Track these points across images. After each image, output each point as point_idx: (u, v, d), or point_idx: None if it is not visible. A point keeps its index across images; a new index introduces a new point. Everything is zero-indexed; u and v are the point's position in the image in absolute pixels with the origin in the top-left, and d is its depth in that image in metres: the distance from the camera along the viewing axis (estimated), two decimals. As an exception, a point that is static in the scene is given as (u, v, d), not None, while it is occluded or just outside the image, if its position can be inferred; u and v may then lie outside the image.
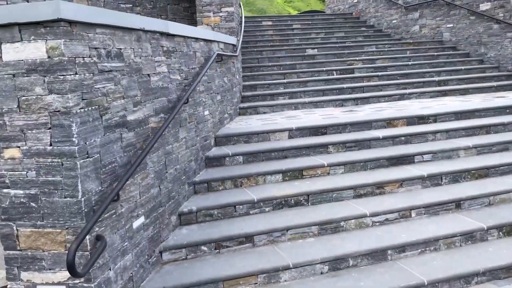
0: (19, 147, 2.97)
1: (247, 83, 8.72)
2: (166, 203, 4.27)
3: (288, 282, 3.97)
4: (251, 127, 6.37)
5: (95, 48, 3.14)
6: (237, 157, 5.56)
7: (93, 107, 3.09)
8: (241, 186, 5.17)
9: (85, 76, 2.99)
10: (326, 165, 5.40)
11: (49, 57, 2.81)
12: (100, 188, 3.15)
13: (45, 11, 2.72)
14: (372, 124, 6.49)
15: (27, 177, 2.99)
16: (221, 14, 7.84)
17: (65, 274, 3.05)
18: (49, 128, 2.89)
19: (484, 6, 10.25)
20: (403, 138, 6.14)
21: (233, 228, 4.41)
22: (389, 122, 6.54)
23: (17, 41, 2.84)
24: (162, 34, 4.19)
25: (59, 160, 2.92)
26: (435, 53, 11.08)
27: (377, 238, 4.40)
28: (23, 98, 2.89)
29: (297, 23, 14.53)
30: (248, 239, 4.34)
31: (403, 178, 5.25)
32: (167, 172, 4.29)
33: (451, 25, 11.44)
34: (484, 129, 6.52)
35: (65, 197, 2.95)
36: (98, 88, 3.16)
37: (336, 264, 4.13)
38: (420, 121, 6.71)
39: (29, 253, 3.09)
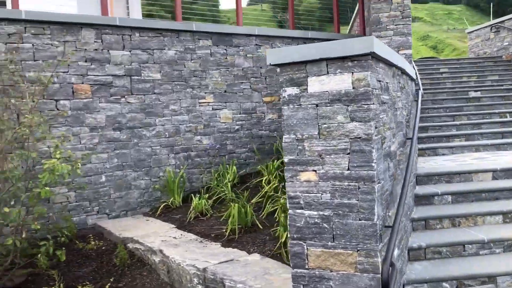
0: (315, 170, 3.20)
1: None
2: (403, 236, 4.27)
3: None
4: (447, 167, 6.22)
5: (379, 81, 3.35)
6: (446, 196, 5.45)
7: (379, 136, 3.26)
8: (459, 225, 5.02)
9: (376, 107, 3.18)
10: (549, 207, 5.05)
11: (354, 88, 3.05)
12: (383, 213, 3.26)
13: (357, 46, 2.98)
14: None
15: (321, 199, 3.19)
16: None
17: (353, 296, 3.15)
18: (348, 154, 3.09)
19: None
20: None
21: (469, 267, 4.25)
22: None
23: (323, 74, 3.13)
24: (402, 71, 4.36)
25: (356, 183, 3.09)
26: None
27: None
28: (324, 125, 3.15)
29: (443, 66, 14.23)
30: (490, 279, 4.16)
31: None
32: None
33: None
34: None
35: (359, 220, 3.09)
36: (381, 118, 3.34)
37: None
38: None
39: (317, 272, 3.25)
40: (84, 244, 5.42)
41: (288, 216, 3.32)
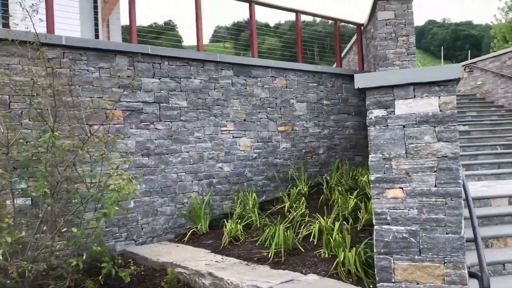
0: (402, 188, 3.42)
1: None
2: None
3: None
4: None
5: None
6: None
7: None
8: (491, 246, 5.32)
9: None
10: None
11: (440, 110, 3.32)
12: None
13: (445, 73, 3.27)
14: None
15: (408, 214, 3.40)
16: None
17: (440, 307, 3.32)
18: (435, 171, 3.34)
19: None
20: None
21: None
22: None
23: (410, 98, 3.40)
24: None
25: (443, 199, 3.32)
26: None
27: None
28: (411, 145, 3.39)
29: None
30: (536, 294, 4.42)
31: None
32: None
33: None
34: None
35: (447, 233, 3.31)
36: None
37: None
38: None
39: (403, 285, 3.41)
40: (123, 269, 5.35)
41: (374, 232, 3.49)
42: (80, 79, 5.93)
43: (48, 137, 4.27)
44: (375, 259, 3.52)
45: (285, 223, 6.28)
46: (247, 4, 8.22)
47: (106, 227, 6.04)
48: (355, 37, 11.31)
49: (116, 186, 4.24)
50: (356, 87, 3.53)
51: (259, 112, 7.89)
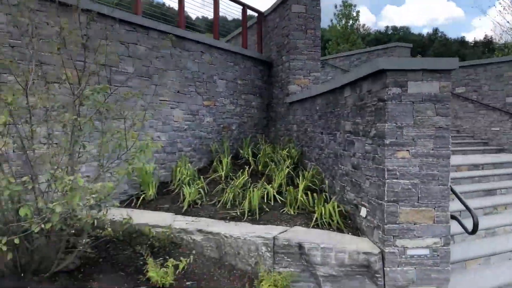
0: (408, 150, 4.39)
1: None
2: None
3: None
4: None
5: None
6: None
7: (439, 128, 4.65)
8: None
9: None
10: None
11: (440, 92, 4.39)
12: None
13: (445, 64, 4.34)
14: None
15: (412, 171, 4.39)
16: (309, 77, 9.58)
17: (431, 240, 4.41)
18: (433, 138, 4.39)
19: (459, 90, 13.35)
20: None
21: None
22: None
23: (419, 80, 4.38)
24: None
25: (437, 159, 4.40)
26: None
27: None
28: (417, 117, 4.38)
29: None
30: None
31: None
32: None
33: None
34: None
35: (438, 185, 4.40)
36: (435, 116, 4.75)
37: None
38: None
39: (405, 226, 4.41)
40: (100, 231, 5.27)
41: (386, 185, 4.40)
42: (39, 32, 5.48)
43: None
44: (385, 206, 4.42)
45: (231, 188, 6.76)
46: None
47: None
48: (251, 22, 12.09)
49: (144, 144, 4.29)
50: (380, 68, 4.35)
51: (190, 85, 8.15)
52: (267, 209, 6.05)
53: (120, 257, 4.83)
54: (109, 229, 5.26)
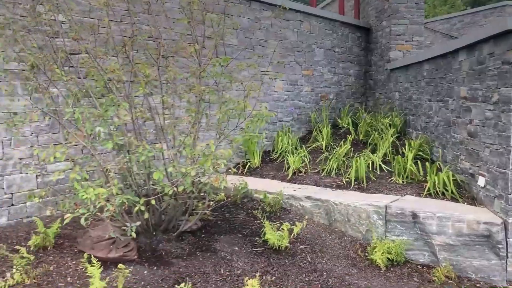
0: (537, 116, 4.10)
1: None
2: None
3: None
4: None
5: None
6: None
7: None
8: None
9: None
10: None
11: None
12: None
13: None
14: None
15: (541, 138, 4.10)
16: (412, 42, 9.21)
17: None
18: None
19: None
20: None
21: None
22: None
23: None
24: None
25: None
26: None
27: None
28: None
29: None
30: None
31: None
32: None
33: None
34: None
35: None
36: None
37: None
38: None
39: (531, 196, 4.16)
40: (214, 196, 5.57)
41: (511, 152, 4.17)
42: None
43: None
44: (509, 175, 4.20)
45: (335, 157, 6.76)
46: None
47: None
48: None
49: (259, 113, 4.45)
50: (508, 28, 4.07)
51: (289, 55, 8.18)
52: (373, 178, 6.01)
53: (236, 220, 5.10)
54: (222, 194, 5.58)
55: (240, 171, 6.82)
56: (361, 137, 7.94)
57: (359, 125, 8.22)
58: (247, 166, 6.89)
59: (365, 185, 5.76)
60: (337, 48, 9.47)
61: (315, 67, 8.85)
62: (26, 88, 4.14)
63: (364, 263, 4.52)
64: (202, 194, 4.47)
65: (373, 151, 6.90)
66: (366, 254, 4.62)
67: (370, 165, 6.31)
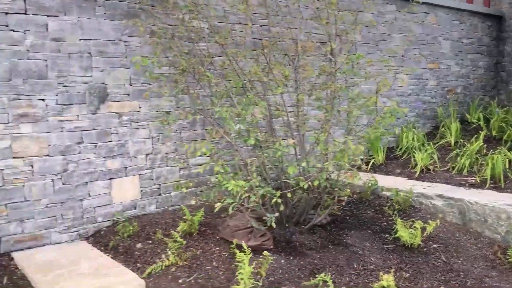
0: None
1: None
2: None
3: None
4: None
5: None
6: None
7: None
8: None
9: None
10: None
11: None
12: None
13: None
14: None
15: None
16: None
17: None
18: None
19: None
20: None
21: None
22: None
23: None
24: None
25: None
26: None
27: None
28: None
29: None
30: None
31: None
32: None
33: None
34: None
35: None
36: None
37: None
38: None
39: None
40: (340, 192, 5.64)
41: None
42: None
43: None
44: None
45: (467, 154, 6.40)
46: None
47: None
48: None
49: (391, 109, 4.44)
50: None
51: (414, 48, 7.94)
52: (511, 177, 5.64)
53: (364, 216, 5.13)
54: (348, 190, 5.63)
55: (363, 168, 6.79)
56: (494, 133, 7.44)
57: (491, 120, 7.70)
58: (371, 162, 6.85)
59: (502, 184, 5.43)
60: (465, 39, 8.94)
61: (441, 60, 8.46)
62: (175, 89, 4.59)
63: (505, 266, 4.29)
64: (329, 189, 4.58)
65: (510, 149, 6.45)
66: (507, 257, 4.37)
67: (507, 163, 5.92)
